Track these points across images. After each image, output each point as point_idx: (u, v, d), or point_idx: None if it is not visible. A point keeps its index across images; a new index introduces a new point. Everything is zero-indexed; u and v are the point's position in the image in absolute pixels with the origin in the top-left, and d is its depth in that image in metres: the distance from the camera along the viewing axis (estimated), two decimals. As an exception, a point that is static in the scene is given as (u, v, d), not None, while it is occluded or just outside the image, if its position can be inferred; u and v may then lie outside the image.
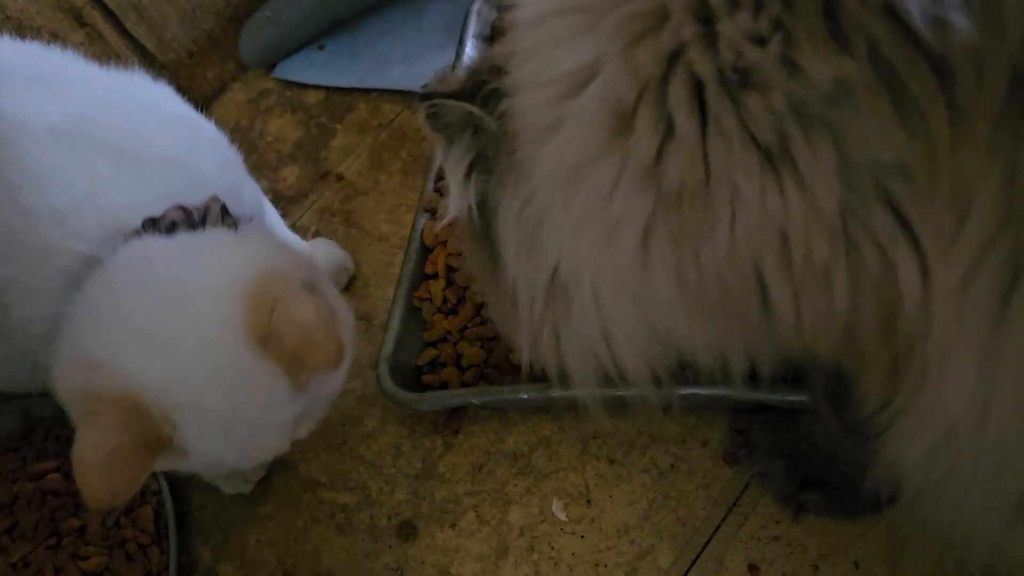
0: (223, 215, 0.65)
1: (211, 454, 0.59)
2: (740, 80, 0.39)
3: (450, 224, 0.60)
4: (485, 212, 0.55)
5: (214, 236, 0.63)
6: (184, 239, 0.61)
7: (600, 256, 0.47)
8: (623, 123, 0.42)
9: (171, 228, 0.62)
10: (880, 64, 0.36)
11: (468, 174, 0.54)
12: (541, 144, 0.46)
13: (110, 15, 1.06)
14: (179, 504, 0.83)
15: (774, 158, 0.39)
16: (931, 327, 0.41)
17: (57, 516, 0.82)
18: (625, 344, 0.52)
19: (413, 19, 1.15)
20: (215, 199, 0.65)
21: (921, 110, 0.36)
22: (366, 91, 1.11)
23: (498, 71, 0.51)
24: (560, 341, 0.55)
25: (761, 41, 0.38)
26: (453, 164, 0.55)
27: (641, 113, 0.41)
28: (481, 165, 0.54)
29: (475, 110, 0.52)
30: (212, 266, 0.59)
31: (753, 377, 0.71)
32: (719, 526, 0.69)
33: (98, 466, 0.53)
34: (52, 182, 0.62)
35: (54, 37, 1.02)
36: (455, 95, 0.53)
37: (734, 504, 0.69)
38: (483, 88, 0.52)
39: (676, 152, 0.41)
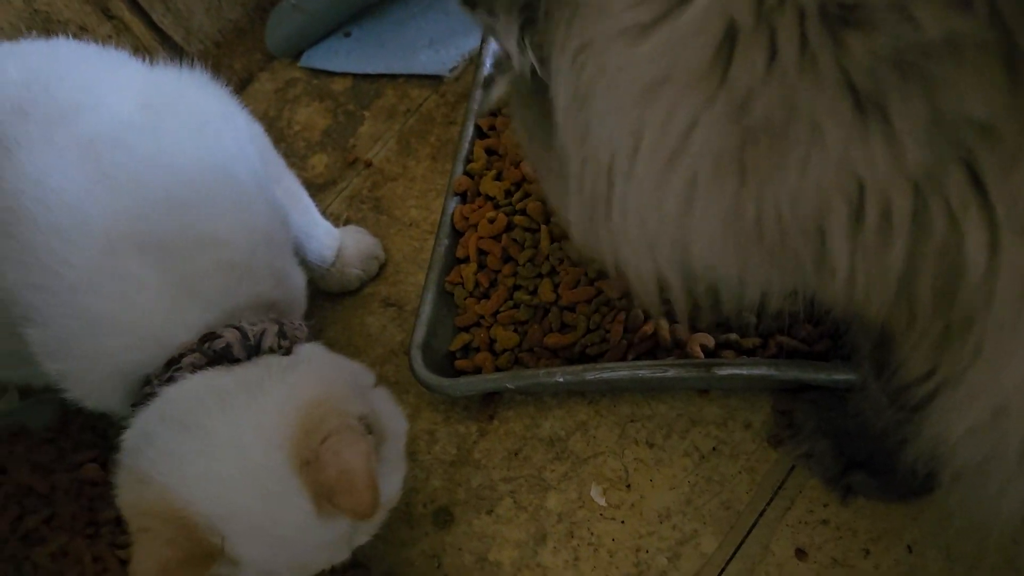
0: (280, 337, 0.66)
1: (263, 565, 0.61)
2: (842, 17, 0.36)
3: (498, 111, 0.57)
4: (544, 66, 0.50)
5: (268, 369, 0.63)
6: (241, 375, 0.62)
7: (659, 166, 0.44)
8: (727, 46, 0.39)
9: (226, 351, 0.63)
10: (998, 25, 0.34)
11: (523, 28, 0.50)
12: (627, 41, 0.43)
13: (136, 7, 1.06)
14: (215, 494, 0.83)
15: (865, 105, 0.37)
16: (992, 302, 0.38)
17: (95, 506, 0.82)
18: (662, 248, 0.49)
19: (438, 3, 1.13)
20: (273, 321, 0.67)
21: None
22: (393, 77, 1.10)
23: None
24: (611, 224, 0.51)
25: None
26: (504, 24, 0.50)
27: (749, 37, 0.38)
28: (534, 26, 0.50)
29: None
30: (265, 401, 0.61)
31: (795, 355, 0.69)
32: (764, 510, 0.67)
33: None
34: (109, 288, 0.63)
35: (81, 30, 1.02)
36: None
37: (779, 487, 0.67)
38: None
39: (771, 85, 0.38)
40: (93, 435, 0.90)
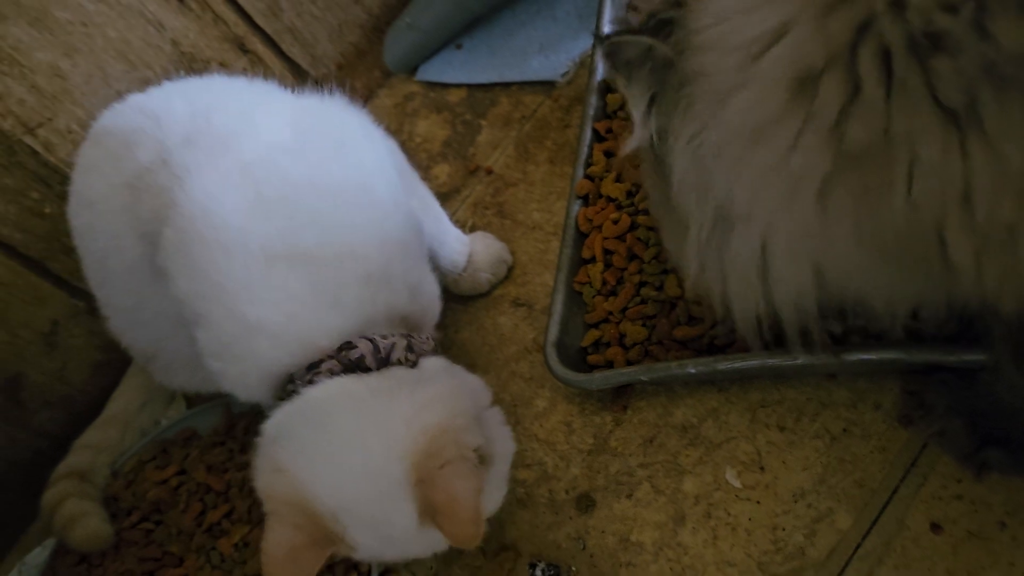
0: (408, 351, 0.73)
1: (375, 553, 0.70)
2: (930, 45, 0.40)
3: (630, 155, 0.64)
4: (663, 141, 0.58)
5: (399, 383, 0.70)
6: (373, 384, 0.70)
7: (774, 203, 0.50)
8: (808, 86, 0.44)
9: (360, 361, 0.70)
10: None
11: (650, 105, 0.58)
12: (724, 101, 0.49)
13: (268, 40, 1.14)
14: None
15: (960, 119, 0.41)
16: None
17: (267, 500, 0.90)
18: (783, 280, 0.54)
19: (547, 10, 1.18)
20: (402, 336, 0.73)
21: None
22: (506, 85, 1.15)
23: (676, 3, 0.55)
24: (723, 267, 0.58)
25: (952, 9, 0.39)
26: (635, 97, 0.58)
27: (828, 77, 0.43)
28: (661, 98, 0.57)
29: (654, 42, 0.55)
30: (393, 413, 0.68)
31: (923, 338, 0.71)
32: (898, 487, 0.70)
33: (280, 560, 0.64)
34: (263, 298, 0.71)
35: (221, 66, 1.11)
36: (634, 31, 0.57)
37: (912, 465, 0.70)
38: (660, 24, 0.56)
39: (861, 113, 0.43)
40: (257, 437, 0.99)
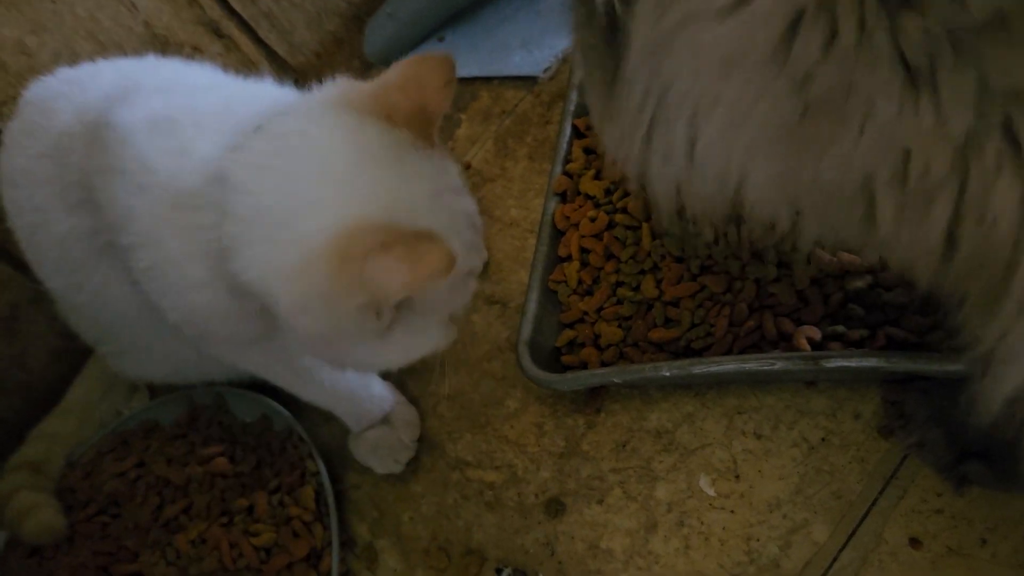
0: None
1: None
2: (900, 1, 0.39)
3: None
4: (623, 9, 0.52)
5: None
6: None
7: (724, 124, 0.49)
8: (792, 29, 0.42)
9: None
10: None
11: None
12: (712, 19, 0.46)
13: (244, 25, 1.12)
14: (336, 484, 0.88)
15: (918, 80, 0.40)
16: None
17: (227, 496, 0.88)
18: (707, 168, 0.52)
19: (529, 4, 1.16)
20: None
21: None
22: (487, 79, 1.13)
23: None
24: (653, 152, 0.54)
25: None
26: None
27: (811, 21, 0.42)
28: None
29: None
30: None
31: (904, 346, 0.70)
32: (876, 499, 0.68)
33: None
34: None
35: (195, 50, 1.08)
36: None
37: (891, 477, 0.68)
38: None
39: (831, 63, 0.42)
40: (219, 430, 0.96)
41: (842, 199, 0.46)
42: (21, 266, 1.00)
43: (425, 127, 0.63)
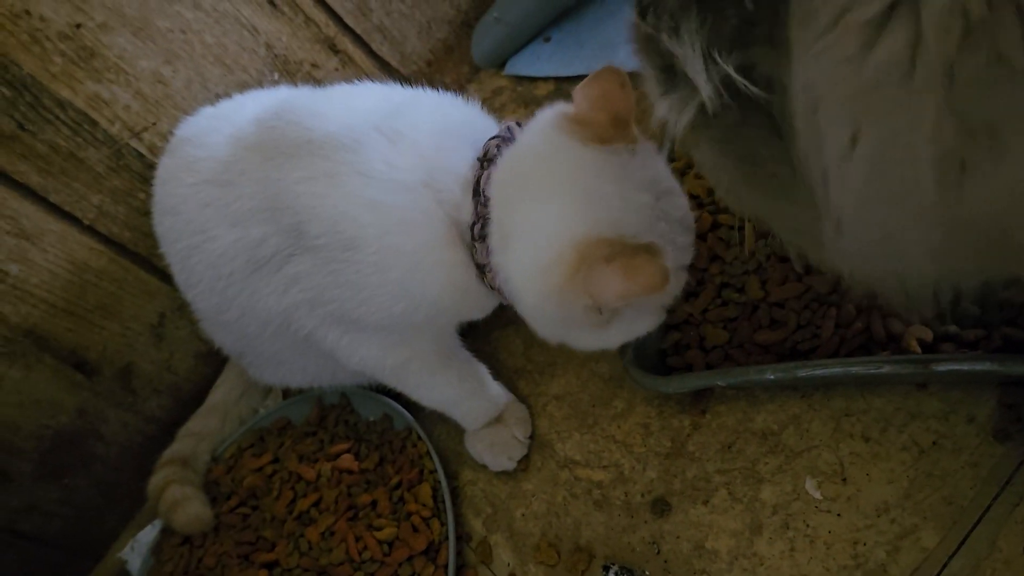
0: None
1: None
2: None
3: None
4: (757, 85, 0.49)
5: None
6: None
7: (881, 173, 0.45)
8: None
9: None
10: None
11: (709, 48, 0.48)
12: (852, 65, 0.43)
13: (358, 40, 1.17)
14: (451, 481, 0.93)
15: None
16: None
17: (352, 492, 0.93)
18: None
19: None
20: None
21: None
22: (593, 78, 1.14)
23: None
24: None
25: None
26: (685, 45, 0.49)
27: (972, 43, 0.39)
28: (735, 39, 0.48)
29: None
30: None
31: (1022, 347, 0.67)
32: (990, 505, 0.66)
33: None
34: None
35: (313, 66, 1.14)
36: None
37: (1007, 483, 0.66)
38: None
39: (994, 86, 0.40)
40: (346, 428, 1.02)
41: (1013, 231, 0.44)
42: (166, 277, 1.10)
43: (625, 129, 0.72)
